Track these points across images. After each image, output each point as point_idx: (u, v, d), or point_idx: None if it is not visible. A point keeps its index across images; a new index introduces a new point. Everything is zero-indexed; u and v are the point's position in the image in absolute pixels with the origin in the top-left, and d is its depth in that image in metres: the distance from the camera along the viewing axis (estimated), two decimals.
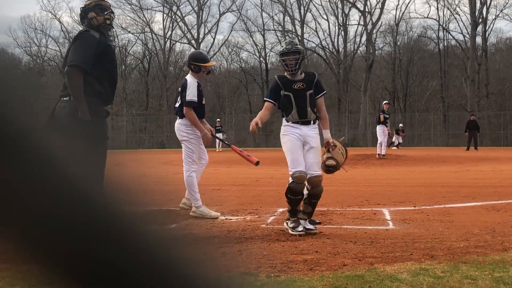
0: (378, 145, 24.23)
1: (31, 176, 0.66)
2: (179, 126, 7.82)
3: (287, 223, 6.37)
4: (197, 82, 7.84)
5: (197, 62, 7.85)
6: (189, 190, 7.63)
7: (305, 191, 6.44)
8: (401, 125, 45.73)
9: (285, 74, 6.79)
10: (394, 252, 5.07)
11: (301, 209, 6.42)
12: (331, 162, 6.65)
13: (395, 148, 40.82)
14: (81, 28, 5.78)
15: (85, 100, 5.16)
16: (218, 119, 45.68)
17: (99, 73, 5.31)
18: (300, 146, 6.43)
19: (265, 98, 6.83)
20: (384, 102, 25.84)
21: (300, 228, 6.16)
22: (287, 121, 6.57)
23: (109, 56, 5.51)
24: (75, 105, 5.19)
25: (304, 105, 6.55)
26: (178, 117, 7.91)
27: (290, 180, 6.36)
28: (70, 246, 0.68)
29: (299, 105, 6.52)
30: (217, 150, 41.79)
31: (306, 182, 6.40)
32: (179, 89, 8.02)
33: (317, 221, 6.69)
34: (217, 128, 42.45)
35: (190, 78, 7.85)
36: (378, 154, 23.73)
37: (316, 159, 6.51)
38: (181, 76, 63.38)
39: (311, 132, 6.54)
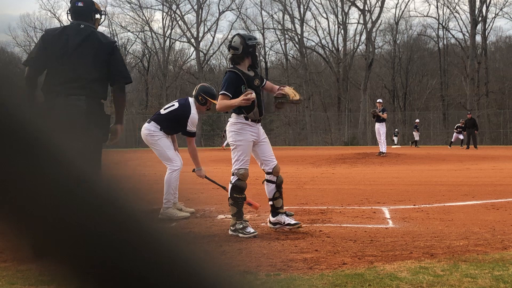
0: (381, 142, 24.15)
1: (40, 170, 0.67)
2: (145, 131, 7.77)
3: (235, 229, 6.15)
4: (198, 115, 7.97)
5: (207, 96, 7.91)
6: (167, 187, 7.46)
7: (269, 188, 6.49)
8: (417, 120, 45.33)
9: (240, 68, 6.54)
10: (393, 251, 5.07)
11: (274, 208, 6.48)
12: (279, 93, 6.71)
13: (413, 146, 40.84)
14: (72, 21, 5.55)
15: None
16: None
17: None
18: (251, 146, 6.45)
19: (223, 92, 6.37)
20: (377, 100, 25.87)
21: (252, 230, 6.09)
22: (247, 119, 6.39)
23: None
24: (119, 117, 5.36)
25: (261, 102, 6.53)
26: (148, 121, 7.88)
27: (234, 179, 6.41)
28: (79, 243, 0.68)
29: (258, 103, 6.44)
30: (223, 148, 41.80)
31: (271, 174, 6.59)
32: (177, 103, 7.99)
33: (292, 213, 6.65)
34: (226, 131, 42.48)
35: (194, 109, 7.90)
36: (381, 152, 23.72)
37: (271, 150, 6.66)
38: (181, 75, 63.50)
39: (261, 127, 6.58)
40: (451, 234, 5.95)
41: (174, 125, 7.80)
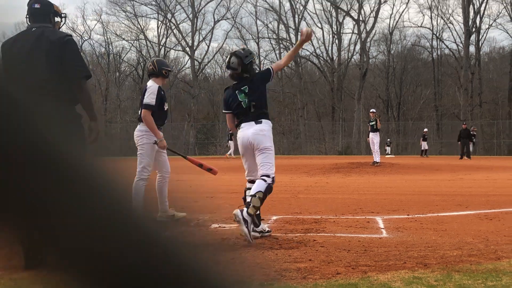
0: (375, 152, 24.19)
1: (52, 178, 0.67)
2: (136, 131, 7.78)
3: (265, 230, 6.39)
4: (159, 87, 7.79)
5: (168, 68, 7.95)
6: (134, 196, 7.39)
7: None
8: (425, 130, 45.13)
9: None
10: (387, 261, 5.07)
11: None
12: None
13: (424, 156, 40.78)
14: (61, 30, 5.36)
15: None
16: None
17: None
18: None
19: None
20: (371, 110, 25.91)
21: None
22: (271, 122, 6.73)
23: None
24: (89, 113, 4.97)
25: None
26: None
27: (270, 181, 6.41)
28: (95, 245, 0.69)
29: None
30: (227, 156, 41.78)
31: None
32: (141, 95, 7.97)
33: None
34: (231, 136, 42.63)
35: (151, 82, 7.82)
36: (374, 162, 23.75)
37: None
38: (175, 83, 63.46)
39: None
40: (445, 244, 5.95)
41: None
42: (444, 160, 34.67)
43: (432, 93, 63.54)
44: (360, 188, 13.81)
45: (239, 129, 6.64)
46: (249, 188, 6.68)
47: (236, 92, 6.64)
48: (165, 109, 7.87)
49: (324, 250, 5.62)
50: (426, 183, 15.49)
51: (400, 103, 64.41)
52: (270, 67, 6.91)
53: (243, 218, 6.00)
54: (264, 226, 6.61)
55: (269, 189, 6.37)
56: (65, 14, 5.54)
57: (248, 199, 6.25)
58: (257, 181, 6.40)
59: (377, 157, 23.87)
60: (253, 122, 6.50)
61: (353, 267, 4.80)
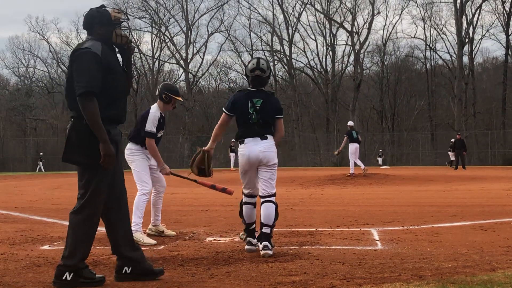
0: (355, 163, 24.22)
1: None
2: (126, 149, 7.71)
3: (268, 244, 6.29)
4: (160, 113, 7.70)
5: (170, 94, 7.74)
6: (135, 210, 7.37)
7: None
8: (452, 140, 44.47)
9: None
10: (382, 273, 5.06)
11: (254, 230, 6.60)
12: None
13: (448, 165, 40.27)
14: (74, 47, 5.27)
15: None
16: (233, 140, 45.83)
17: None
18: None
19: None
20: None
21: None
22: None
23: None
24: (97, 136, 4.69)
25: None
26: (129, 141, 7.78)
27: (274, 199, 6.46)
28: None
29: None
30: (233, 169, 41.77)
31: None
32: (140, 117, 7.81)
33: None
34: (232, 148, 42.80)
35: (154, 108, 7.71)
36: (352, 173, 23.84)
37: None
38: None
39: None
40: (440, 255, 5.95)
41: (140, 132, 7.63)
42: (438, 170, 34.70)
43: (426, 103, 63.70)
44: (355, 199, 13.82)
45: (241, 143, 6.46)
46: (247, 203, 6.68)
47: (249, 101, 6.45)
48: (159, 136, 7.77)
49: (319, 263, 5.61)
50: (420, 194, 15.51)
51: (394, 114, 64.53)
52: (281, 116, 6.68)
53: (270, 248, 6.19)
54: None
55: (277, 212, 6.45)
56: (123, 18, 5.17)
57: (266, 230, 6.26)
58: (267, 208, 6.35)
59: (352, 169, 24.04)
60: (258, 138, 6.37)
61: (348, 280, 4.79)
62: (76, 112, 4.74)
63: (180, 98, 7.88)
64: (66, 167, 55.45)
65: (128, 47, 5.17)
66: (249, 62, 6.76)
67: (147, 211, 7.67)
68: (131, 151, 7.67)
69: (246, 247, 6.51)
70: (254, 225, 6.65)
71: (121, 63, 5.12)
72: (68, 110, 4.88)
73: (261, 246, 6.18)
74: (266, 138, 6.40)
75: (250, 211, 6.68)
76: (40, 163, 55.26)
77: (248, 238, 6.58)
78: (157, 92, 7.81)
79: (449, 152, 42.15)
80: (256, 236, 6.55)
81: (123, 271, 4.89)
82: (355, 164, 24.18)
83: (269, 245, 6.16)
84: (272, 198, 6.39)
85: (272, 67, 53.61)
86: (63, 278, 4.66)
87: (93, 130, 4.62)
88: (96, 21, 4.90)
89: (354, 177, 23.09)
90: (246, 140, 6.40)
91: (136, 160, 7.59)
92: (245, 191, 6.73)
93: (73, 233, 4.79)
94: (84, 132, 4.70)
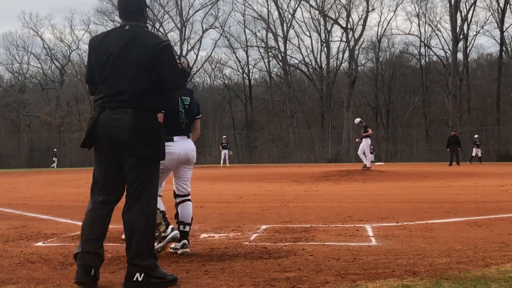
0: (367, 157, 25.24)
1: None
2: None
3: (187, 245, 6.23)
4: None
5: None
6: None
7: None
8: (476, 136, 44.18)
9: None
10: (376, 269, 5.07)
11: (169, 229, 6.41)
12: None
13: (468, 162, 40.32)
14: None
15: None
16: (224, 136, 45.98)
17: None
18: None
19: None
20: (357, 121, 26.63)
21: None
22: None
23: None
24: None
25: None
26: None
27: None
28: None
29: None
30: (221, 166, 41.84)
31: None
32: None
33: None
34: (223, 144, 42.81)
35: None
36: (367, 166, 24.65)
37: None
38: None
39: None
40: (434, 251, 5.96)
41: None
42: (433, 167, 34.77)
43: (420, 100, 63.76)
44: (349, 196, 13.83)
45: (169, 141, 6.02)
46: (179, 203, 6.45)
47: (180, 99, 6.18)
48: None
49: (314, 259, 5.62)
50: (415, 190, 15.53)
51: (389, 110, 64.58)
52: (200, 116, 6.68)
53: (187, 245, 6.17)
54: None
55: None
56: None
57: (186, 228, 6.24)
58: (186, 205, 6.30)
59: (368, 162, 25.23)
60: (185, 137, 6.23)
61: (342, 276, 4.80)
62: (144, 105, 4.61)
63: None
64: (60, 164, 55.38)
65: None
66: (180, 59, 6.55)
67: None
68: None
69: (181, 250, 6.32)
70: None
71: None
72: (126, 101, 4.57)
73: (180, 244, 6.16)
74: (189, 137, 6.33)
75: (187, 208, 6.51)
76: (55, 159, 54.91)
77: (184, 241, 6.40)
78: None
79: (474, 148, 42.04)
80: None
81: (135, 278, 4.56)
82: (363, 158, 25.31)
83: (187, 243, 6.15)
84: (189, 197, 6.36)
85: (267, 64, 53.58)
86: (134, 279, 4.52)
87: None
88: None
89: (365, 171, 23.57)
90: (175, 138, 6.13)
91: None
92: (161, 193, 6.52)
93: (148, 232, 4.65)
94: (156, 125, 4.69)
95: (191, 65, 6.01)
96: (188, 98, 6.29)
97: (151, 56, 4.57)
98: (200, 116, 6.62)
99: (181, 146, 6.15)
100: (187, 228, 6.25)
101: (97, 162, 4.71)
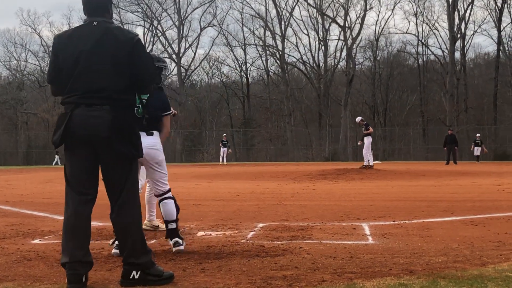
0: (370, 155, 25.65)
1: None
2: None
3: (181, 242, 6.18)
4: None
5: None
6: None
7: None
8: (478, 134, 43.96)
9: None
10: (373, 267, 5.07)
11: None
12: None
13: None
14: None
15: None
16: (224, 134, 46.01)
17: None
18: None
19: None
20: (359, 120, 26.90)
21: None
22: None
23: None
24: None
25: None
26: None
27: (170, 193, 6.36)
28: None
29: None
30: (220, 164, 41.81)
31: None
32: None
33: None
34: (223, 142, 42.83)
35: None
36: (369, 164, 25.13)
37: None
38: None
39: None
40: (430, 250, 5.97)
41: None
42: (430, 165, 34.79)
43: (418, 99, 63.79)
44: (346, 194, 13.84)
45: None
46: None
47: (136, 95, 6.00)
48: None
49: (310, 258, 5.62)
50: (412, 189, 15.54)
51: (386, 109, 64.63)
52: (170, 112, 6.49)
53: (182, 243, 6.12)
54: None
55: (176, 205, 6.33)
56: None
57: (172, 225, 6.19)
58: (165, 204, 6.25)
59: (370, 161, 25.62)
60: (144, 133, 6.05)
61: (339, 274, 4.80)
62: (122, 102, 4.60)
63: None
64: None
65: None
66: None
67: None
68: None
69: (114, 251, 6.13)
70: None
71: None
72: (105, 97, 4.51)
73: (171, 243, 6.15)
74: (152, 134, 6.21)
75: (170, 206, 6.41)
76: (57, 156, 54.76)
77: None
78: None
79: (475, 147, 41.93)
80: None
81: (131, 276, 4.56)
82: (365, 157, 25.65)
83: (179, 241, 6.10)
84: (168, 194, 6.29)
85: (264, 62, 53.51)
86: (131, 277, 4.52)
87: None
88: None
89: (363, 169, 23.71)
90: None
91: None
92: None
93: (133, 233, 4.62)
94: (134, 122, 4.70)
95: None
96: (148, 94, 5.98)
97: (127, 52, 4.56)
98: (169, 113, 6.45)
99: None
100: (173, 225, 6.18)
101: (70, 161, 4.57)
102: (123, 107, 4.58)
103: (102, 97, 4.48)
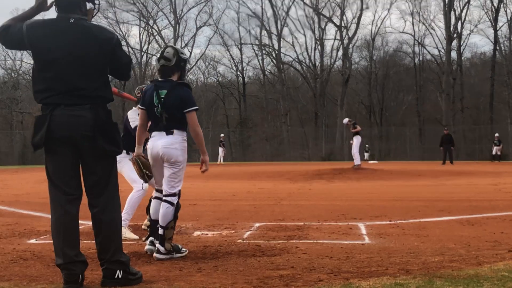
0: (358, 155, 25.49)
1: None
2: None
3: (170, 251, 5.85)
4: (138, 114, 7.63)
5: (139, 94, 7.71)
6: (126, 206, 7.22)
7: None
8: (497, 134, 43.82)
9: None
10: (369, 267, 5.08)
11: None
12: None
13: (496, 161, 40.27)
14: None
15: None
16: (222, 134, 46.10)
17: None
18: None
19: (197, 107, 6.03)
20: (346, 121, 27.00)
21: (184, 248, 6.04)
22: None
23: None
24: None
25: None
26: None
27: (177, 199, 6.02)
28: None
29: None
30: (218, 163, 41.80)
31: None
32: (123, 125, 7.71)
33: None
34: (222, 142, 42.96)
35: (131, 110, 7.69)
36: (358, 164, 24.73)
37: None
38: None
39: None
40: (427, 250, 5.98)
41: (125, 138, 7.44)
42: (426, 165, 34.83)
43: (414, 98, 63.82)
44: (343, 194, 13.85)
45: (150, 136, 6.07)
46: (155, 197, 6.22)
47: (155, 92, 5.97)
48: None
49: (307, 257, 5.62)
50: (408, 188, 15.56)
51: (382, 108, 64.66)
52: (194, 108, 6.00)
53: (166, 255, 5.75)
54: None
55: (177, 210, 5.99)
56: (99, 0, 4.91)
57: (160, 230, 5.85)
58: (162, 208, 5.93)
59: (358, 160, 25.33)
60: (164, 133, 5.93)
61: (336, 274, 4.80)
62: (103, 100, 4.62)
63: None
64: None
65: None
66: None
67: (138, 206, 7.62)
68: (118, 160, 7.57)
69: (146, 247, 6.10)
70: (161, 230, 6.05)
71: None
72: (84, 97, 4.50)
73: (147, 241, 6.11)
74: (172, 133, 5.92)
75: (157, 205, 6.15)
76: None
77: (151, 238, 6.13)
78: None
79: (494, 147, 41.99)
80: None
81: (116, 276, 4.52)
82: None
83: (160, 248, 5.76)
84: (170, 198, 5.95)
85: (260, 61, 53.44)
86: (116, 276, 4.49)
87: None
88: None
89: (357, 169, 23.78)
90: (153, 133, 6.02)
91: (125, 165, 7.46)
92: (156, 186, 6.32)
93: (119, 229, 4.66)
94: (112, 119, 4.67)
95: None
96: (166, 90, 5.96)
97: (107, 51, 4.57)
98: (191, 109, 5.96)
99: (154, 143, 5.98)
100: (160, 231, 5.86)
101: (52, 161, 4.52)
102: (101, 104, 4.59)
103: (82, 96, 4.47)
